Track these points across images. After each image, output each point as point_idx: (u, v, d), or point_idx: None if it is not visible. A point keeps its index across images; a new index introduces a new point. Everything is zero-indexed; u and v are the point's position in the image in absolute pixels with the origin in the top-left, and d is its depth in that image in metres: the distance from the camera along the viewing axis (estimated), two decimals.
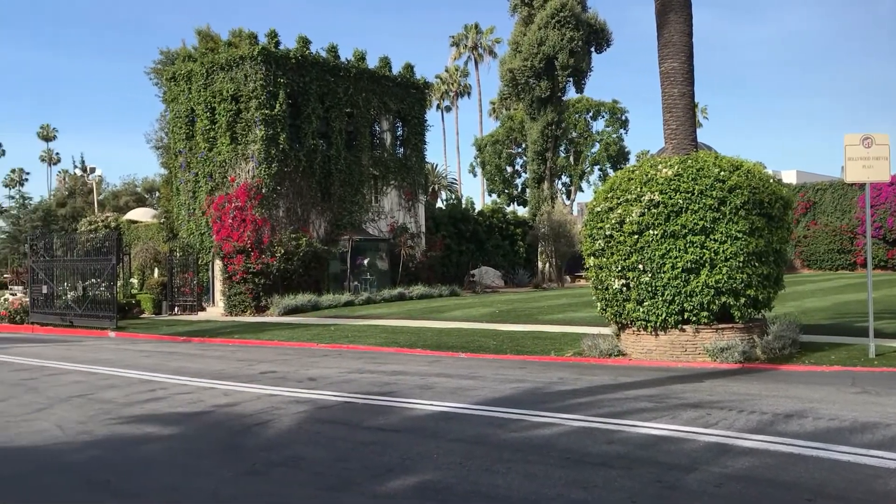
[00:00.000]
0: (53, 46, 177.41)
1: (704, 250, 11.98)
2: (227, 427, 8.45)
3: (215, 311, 28.68)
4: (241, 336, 19.60)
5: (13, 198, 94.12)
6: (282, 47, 28.67)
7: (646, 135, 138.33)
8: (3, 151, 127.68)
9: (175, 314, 28.88)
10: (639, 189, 12.43)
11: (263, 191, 27.50)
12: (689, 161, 12.51)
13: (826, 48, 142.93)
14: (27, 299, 27.45)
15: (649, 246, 12.22)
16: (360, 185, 31.27)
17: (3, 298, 29.44)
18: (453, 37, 77.57)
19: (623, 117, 65.76)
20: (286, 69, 28.29)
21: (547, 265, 40.71)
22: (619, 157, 65.12)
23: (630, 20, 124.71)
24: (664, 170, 12.46)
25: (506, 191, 67.99)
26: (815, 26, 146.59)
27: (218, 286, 29.06)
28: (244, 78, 28.00)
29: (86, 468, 7.01)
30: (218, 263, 28.50)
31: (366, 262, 30.29)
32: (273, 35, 28.63)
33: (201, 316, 27.83)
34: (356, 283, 29.75)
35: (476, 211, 41.28)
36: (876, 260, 40.05)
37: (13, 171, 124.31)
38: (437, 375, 11.77)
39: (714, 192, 12.00)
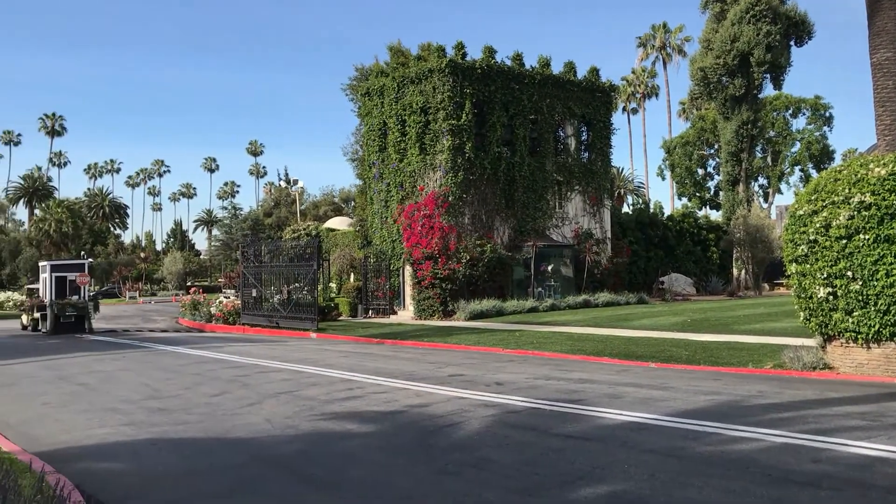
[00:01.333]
0: (259, 68, 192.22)
1: None
2: (420, 427, 8.75)
3: (405, 314, 29.76)
4: (430, 339, 20.21)
5: (226, 209, 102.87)
6: (468, 58, 29.34)
7: (853, 132, 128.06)
8: (218, 166, 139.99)
9: (369, 317, 30.26)
10: (847, 190, 11.53)
11: (450, 199, 28.23)
12: None
13: None
14: (238, 302, 29.84)
15: (859, 251, 11.30)
16: (543, 190, 31.30)
17: (217, 301, 32.21)
18: (640, 37, 75.81)
19: (826, 114, 61.21)
20: (472, 79, 28.90)
21: (742, 272, 38.65)
22: (822, 156, 60.67)
23: (835, 9, 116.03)
24: (877, 169, 11.47)
25: (697, 194, 65.32)
26: None
27: (408, 291, 30.15)
28: (432, 90, 28.91)
29: (292, 460, 7.53)
30: (408, 269, 29.58)
31: (550, 268, 30.24)
32: (460, 47, 29.37)
33: (393, 319, 28.97)
34: (540, 289, 29.77)
35: (665, 215, 40.04)
36: None
37: (226, 184, 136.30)
38: (626, 385, 11.53)
39: None
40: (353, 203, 64.16)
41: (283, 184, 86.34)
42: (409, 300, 30.08)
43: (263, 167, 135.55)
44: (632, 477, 6.37)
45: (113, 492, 6.45)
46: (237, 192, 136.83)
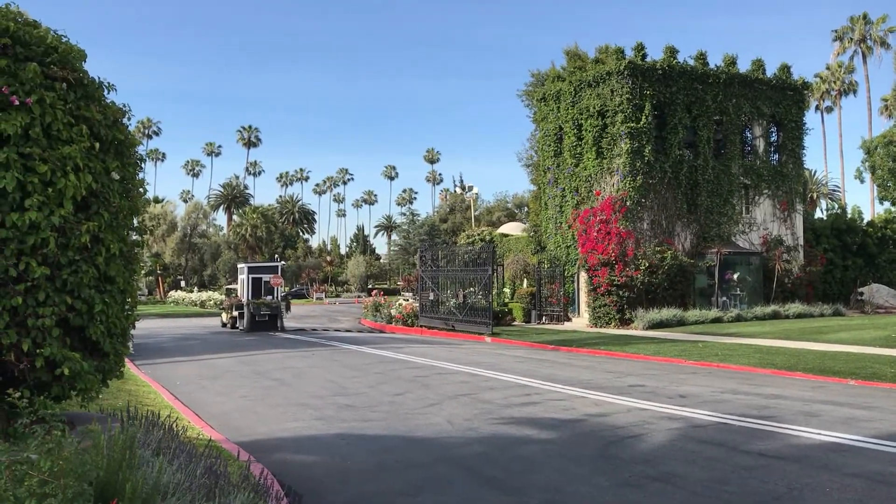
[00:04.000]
0: (437, 76, 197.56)
1: None
2: (600, 436, 8.60)
3: (580, 321, 29.39)
4: (606, 348, 19.83)
5: (404, 215, 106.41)
6: (648, 59, 28.58)
7: None
8: (397, 174, 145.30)
9: (542, 323, 30.17)
10: None
11: (628, 203, 27.59)
12: None
13: None
14: (416, 304, 30.73)
15: None
16: (728, 195, 29.86)
17: (397, 303, 33.35)
18: (836, 31, 70.49)
19: None
20: (652, 81, 28.11)
21: None
22: None
23: None
24: None
25: None
26: None
27: (582, 297, 29.77)
28: (610, 93, 28.41)
29: (473, 462, 7.63)
30: (583, 275, 29.20)
31: (735, 276, 28.76)
32: (640, 48, 28.68)
33: (567, 326, 28.70)
34: (724, 298, 28.40)
35: (864, 221, 36.97)
36: None
37: (404, 191, 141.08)
38: (822, 402, 10.75)
39: None
40: (526, 208, 64.25)
41: (458, 190, 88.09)
42: (583, 307, 29.69)
43: (439, 174, 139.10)
44: (836, 502, 5.92)
45: (308, 484, 6.82)
46: (415, 198, 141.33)
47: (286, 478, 6.76)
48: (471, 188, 70.62)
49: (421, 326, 28.55)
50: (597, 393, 11.86)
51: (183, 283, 75.74)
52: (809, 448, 7.84)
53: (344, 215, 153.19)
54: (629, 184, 27.66)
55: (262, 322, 29.52)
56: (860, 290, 32.82)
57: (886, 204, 61.38)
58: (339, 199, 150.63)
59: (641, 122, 27.70)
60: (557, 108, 31.37)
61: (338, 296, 77.11)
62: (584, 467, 7.30)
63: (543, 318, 30.66)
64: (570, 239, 30.34)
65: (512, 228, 46.91)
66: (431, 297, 28.77)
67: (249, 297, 29.69)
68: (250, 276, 30.16)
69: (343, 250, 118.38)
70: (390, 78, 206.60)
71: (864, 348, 17.38)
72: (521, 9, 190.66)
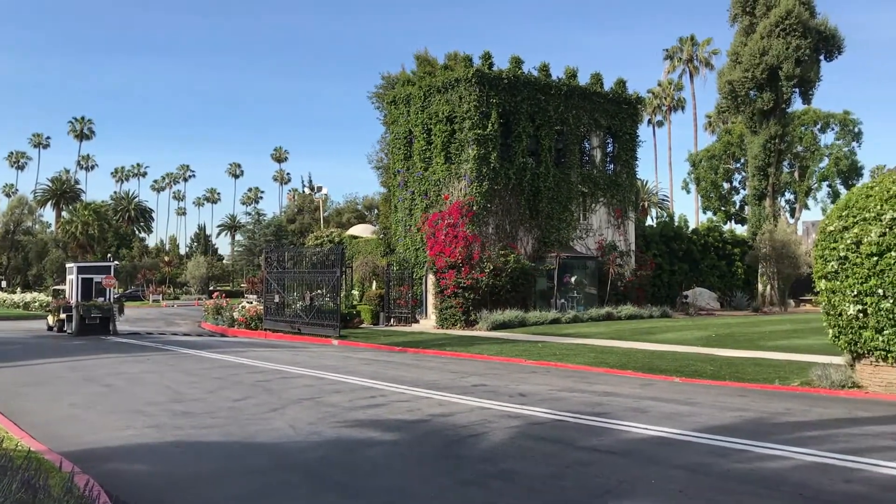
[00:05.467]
0: (286, 75, 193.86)
1: None
2: (444, 436, 8.71)
3: (427, 323, 29.74)
4: (452, 349, 20.16)
5: (249, 214, 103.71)
6: (495, 68, 29.35)
7: (882, 149, 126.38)
8: (242, 172, 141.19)
9: (391, 325, 30.27)
10: (879, 207, 11.38)
11: (474, 208, 28.21)
12: None
13: None
14: (261, 307, 29.97)
15: (891, 269, 11.13)
16: (568, 202, 31.19)
17: (240, 306, 32.37)
18: (667, 50, 75.58)
19: (856, 129, 60.55)
20: (499, 89, 28.91)
21: (768, 288, 38.26)
22: (850, 172, 60.00)
23: (866, 26, 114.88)
24: None
25: (722, 208, 64.84)
26: None
27: (430, 299, 30.14)
28: (459, 99, 28.95)
29: (317, 467, 7.51)
30: (431, 278, 29.57)
31: (573, 279, 30.10)
32: (487, 57, 29.41)
33: (415, 328, 28.96)
34: (563, 300, 29.63)
35: (690, 229, 39.73)
36: None
37: (250, 190, 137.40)
38: (651, 399, 11.42)
39: None
40: (376, 211, 64.36)
41: (306, 190, 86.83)
42: (431, 309, 30.06)
43: (288, 174, 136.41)
44: (660, 492, 6.29)
45: (139, 494, 6.47)
46: (261, 198, 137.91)
47: (116, 489, 6.38)
48: (320, 189, 69.82)
49: (265, 330, 27.87)
50: (441, 393, 12.02)
51: (4, 284, 70.07)
52: (638, 442, 8.29)
53: (185, 214, 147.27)
54: (476, 189, 28.29)
55: (93, 325, 27.82)
56: (685, 293, 35.21)
57: (709, 213, 66.38)
58: (179, 197, 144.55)
59: (488, 130, 28.41)
60: (408, 112, 31.61)
61: (176, 298, 73.88)
62: (428, 467, 7.37)
63: (392, 320, 30.76)
64: (419, 242, 30.64)
65: (362, 230, 46.77)
66: (277, 300, 28.14)
67: (79, 299, 27.88)
68: (80, 276, 28.33)
69: (183, 250, 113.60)
70: (237, 74, 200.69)
71: (688, 347, 18.64)
72: (372, 11, 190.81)
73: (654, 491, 6.34)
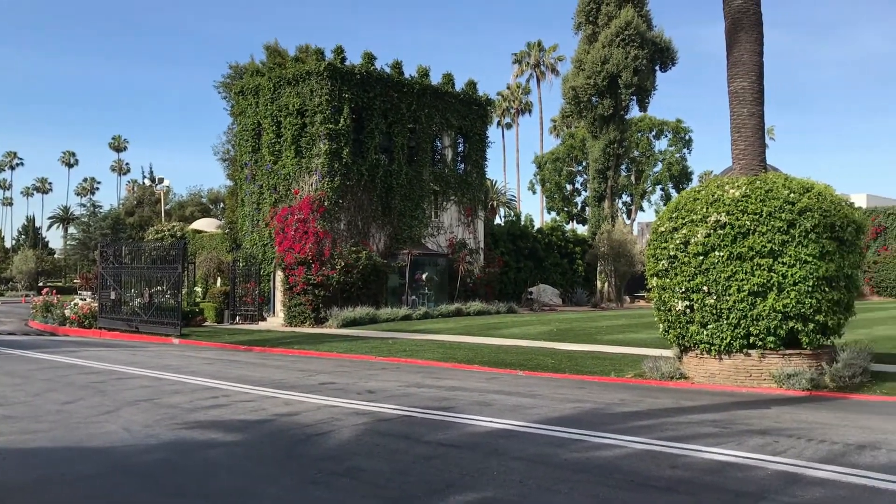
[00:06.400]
0: (126, 58, 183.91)
1: (772, 273, 11.71)
2: (289, 436, 8.56)
3: (275, 321, 29.12)
4: (300, 347, 19.85)
5: (84, 206, 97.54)
6: (347, 63, 29.14)
7: (710, 155, 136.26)
8: (77, 161, 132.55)
9: (236, 323, 29.41)
10: (705, 209, 12.24)
11: (326, 204, 27.89)
12: (758, 182, 12.27)
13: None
14: (96, 304, 28.30)
15: (715, 268, 12.01)
16: (420, 199, 31.48)
17: (73, 303, 30.40)
18: (516, 54, 77.80)
19: (686, 137, 64.84)
20: (351, 84, 28.73)
21: (606, 285, 40.26)
22: (681, 177, 64.17)
23: (696, 39, 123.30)
24: (731, 190, 12.24)
25: (565, 209, 67.60)
26: (884, 46, 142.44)
27: (279, 297, 29.53)
28: (310, 93, 28.52)
29: (153, 470, 7.16)
30: (279, 274, 28.97)
31: (424, 276, 30.42)
32: (339, 51, 29.14)
33: (262, 326, 28.29)
34: (414, 297, 29.89)
35: (535, 228, 41.15)
36: None
37: (85, 180, 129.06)
38: (496, 392, 11.73)
39: (783, 215, 11.74)
40: (222, 204, 62.31)
41: (147, 182, 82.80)
42: (279, 307, 29.46)
43: (127, 164, 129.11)
44: (501, 484, 6.46)
45: None
46: (97, 189, 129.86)
47: None
48: (161, 180, 66.82)
49: (101, 328, 26.34)
50: (288, 392, 11.81)
51: None
52: (483, 435, 8.49)
53: (11, 204, 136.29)
54: (327, 184, 27.98)
55: None
56: (530, 289, 36.44)
57: (553, 213, 69.00)
58: (4, 186, 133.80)
59: (340, 125, 28.17)
60: (256, 104, 30.80)
61: (1, 295, 68.42)
62: (272, 468, 7.21)
63: (237, 318, 29.89)
64: (267, 237, 29.93)
65: (206, 224, 45.16)
66: (113, 297, 26.65)
67: None
68: None
69: (9, 243, 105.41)
70: (72, 57, 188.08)
71: (532, 342, 19.30)
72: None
73: (496, 482, 6.50)
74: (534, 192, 72.60)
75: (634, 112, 45.84)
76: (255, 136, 31.18)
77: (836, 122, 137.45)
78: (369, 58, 29.90)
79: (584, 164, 62.67)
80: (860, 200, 53.24)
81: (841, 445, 7.79)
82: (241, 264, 30.58)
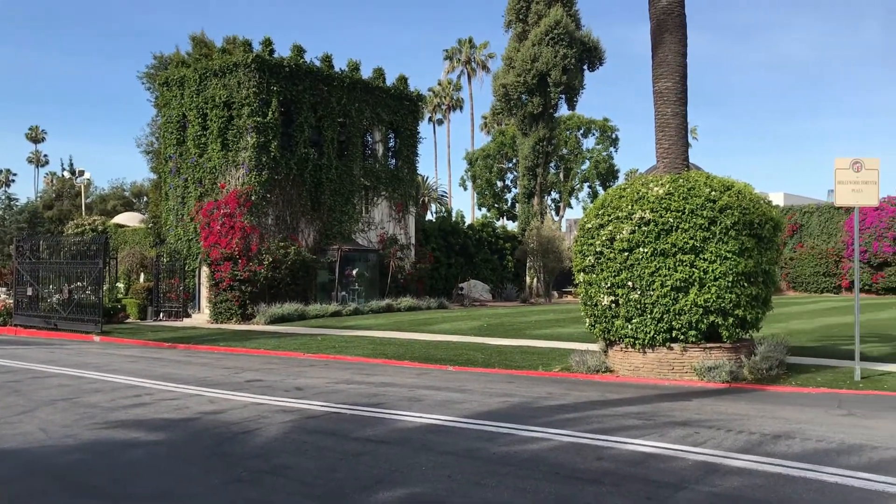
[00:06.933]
0: (45, 47, 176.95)
1: (694, 269, 12.04)
2: (214, 434, 8.40)
3: (201, 317, 28.52)
4: (227, 344, 19.50)
5: None
6: (276, 55, 28.69)
7: (635, 154, 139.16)
8: None
9: (160, 320, 28.70)
10: (630, 207, 12.50)
11: (253, 198, 27.43)
12: (681, 180, 12.60)
13: (816, 73, 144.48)
14: (11, 301, 27.23)
15: (639, 263, 12.28)
16: (350, 195, 31.25)
17: None
18: (447, 50, 77.96)
19: (613, 136, 66.10)
20: (279, 77, 28.30)
21: (535, 280, 40.76)
22: (608, 175, 65.42)
23: (622, 40, 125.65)
24: (655, 188, 12.54)
25: (496, 205, 68.13)
26: (803, 52, 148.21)
27: (204, 293, 28.91)
28: (237, 85, 27.98)
29: (72, 471, 6.94)
30: (205, 270, 28.37)
31: (354, 272, 30.22)
32: (268, 43, 28.66)
33: (187, 322, 27.67)
34: (344, 293, 29.67)
35: (466, 224, 41.37)
36: (860, 284, 40.35)
37: (0, 171, 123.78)
38: (426, 388, 11.75)
39: (705, 212, 12.09)
40: (145, 198, 60.65)
41: (66, 174, 79.95)
42: (205, 303, 28.84)
43: (45, 155, 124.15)
44: (429, 479, 6.48)
45: None
46: (13, 181, 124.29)
47: None
48: (82, 173, 64.56)
49: (16, 326, 25.37)
50: (213, 390, 11.58)
51: None
52: (412, 431, 8.49)
53: None
54: (255, 178, 27.52)
55: None
56: (461, 285, 36.63)
57: (484, 210, 69.50)
58: None
59: (268, 118, 27.73)
60: (181, 95, 30.06)
61: None
62: (196, 467, 7.06)
63: (161, 315, 29.16)
64: (192, 232, 29.27)
65: (129, 219, 43.89)
66: (30, 293, 25.69)
67: None
68: None
69: None
70: None
71: (462, 337, 19.40)
72: None
73: (425, 477, 6.52)
74: (465, 189, 72.98)
75: (563, 110, 46.50)
76: (180, 128, 30.43)
77: (756, 123, 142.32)
78: (299, 50, 29.51)
79: (514, 161, 63.26)
80: (778, 199, 55.27)
81: (758, 435, 8.07)
82: (165, 259, 29.83)
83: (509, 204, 67.81)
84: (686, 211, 12.13)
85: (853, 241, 13.11)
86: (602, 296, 12.69)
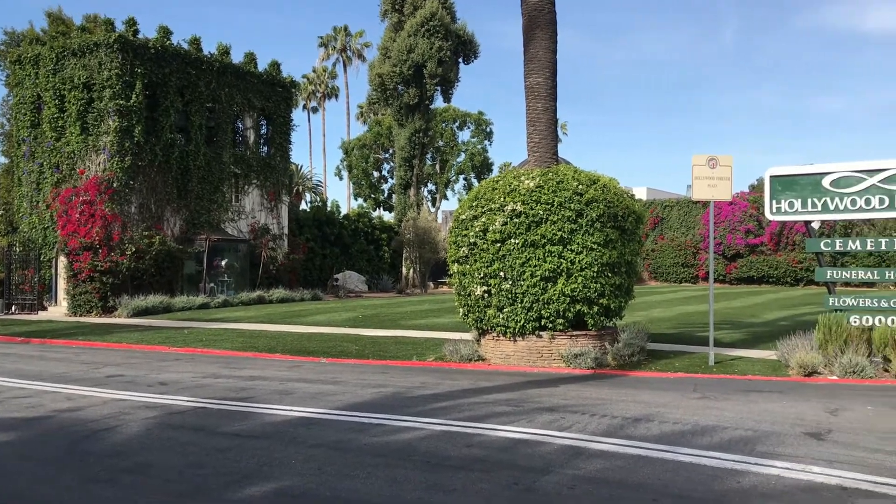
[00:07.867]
0: None
1: (562, 260, 12.42)
2: (71, 433, 7.95)
3: (58, 310, 26.94)
4: (85, 338, 18.51)
5: None
6: (141, 36, 27.37)
7: (509, 147, 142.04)
8: None
9: (13, 313, 26.90)
10: (502, 199, 12.74)
11: (115, 185, 26.11)
12: (550, 174, 12.96)
13: (678, 74, 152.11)
14: None
15: (511, 254, 12.55)
16: (219, 183, 30.28)
17: None
18: (322, 38, 76.80)
19: (488, 129, 67.21)
20: (144, 59, 27.02)
21: (411, 271, 40.94)
22: (483, 167, 66.48)
23: (496, 35, 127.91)
24: (526, 181, 12.84)
25: (372, 196, 67.87)
26: (666, 53, 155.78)
27: (62, 284, 27.31)
28: (98, 65, 26.51)
29: None
30: (62, 260, 26.79)
31: (224, 263, 29.33)
32: (132, 23, 27.29)
33: (42, 316, 26.07)
34: (212, 284, 28.77)
35: (342, 214, 40.98)
36: (715, 274, 42.89)
37: None
38: (298, 381, 11.57)
39: (572, 205, 12.48)
40: None
41: None
42: (62, 295, 27.25)
43: None
44: (299, 472, 6.38)
45: None
46: None
47: None
48: None
49: None
50: (70, 387, 10.96)
51: None
52: (282, 424, 8.34)
53: None
54: (117, 164, 26.20)
55: None
56: (336, 276, 36.29)
57: (360, 200, 69.12)
58: None
59: (132, 101, 26.44)
60: (36, 75, 28.20)
61: None
62: (50, 467, 6.66)
63: (14, 308, 27.35)
64: (48, 220, 27.56)
65: None
66: None
67: None
68: None
69: None
70: None
71: (337, 329, 19.22)
72: None
73: (294, 471, 6.41)
74: (341, 179, 72.31)
75: (439, 102, 46.91)
76: (34, 109, 28.53)
77: (621, 120, 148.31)
78: (165, 32, 28.28)
79: (390, 151, 63.20)
80: (641, 193, 57.96)
81: (620, 419, 8.43)
82: (17, 249, 27.96)
83: (386, 194, 67.73)
84: (555, 203, 12.48)
85: (709, 233, 13.92)
86: (475, 286, 12.88)
